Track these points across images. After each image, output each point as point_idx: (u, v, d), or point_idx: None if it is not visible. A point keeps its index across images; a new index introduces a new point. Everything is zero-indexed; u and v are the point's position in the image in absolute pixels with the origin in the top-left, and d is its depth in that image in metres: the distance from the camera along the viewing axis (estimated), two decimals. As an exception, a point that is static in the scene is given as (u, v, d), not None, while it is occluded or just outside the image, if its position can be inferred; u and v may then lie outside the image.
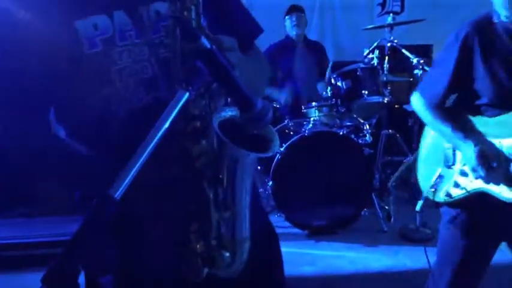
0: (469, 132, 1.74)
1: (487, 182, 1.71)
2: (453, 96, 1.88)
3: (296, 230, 3.21)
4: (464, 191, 1.79)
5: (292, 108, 4.01)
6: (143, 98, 1.15)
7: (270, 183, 3.17)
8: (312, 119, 3.51)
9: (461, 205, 1.82)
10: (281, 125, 3.58)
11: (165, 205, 1.13)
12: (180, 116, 0.85)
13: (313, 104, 3.65)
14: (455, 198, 1.81)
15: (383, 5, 5.01)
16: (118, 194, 0.76)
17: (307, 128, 3.31)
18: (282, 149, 3.20)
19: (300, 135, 3.22)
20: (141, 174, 0.80)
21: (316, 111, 3.62)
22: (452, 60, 1.75)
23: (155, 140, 0.81)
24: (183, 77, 0.98)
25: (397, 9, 5.09)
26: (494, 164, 1.67)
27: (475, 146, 1.69)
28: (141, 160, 0.79)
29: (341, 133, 3.25)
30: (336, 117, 3.59)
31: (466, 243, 1.81)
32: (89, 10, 1.13)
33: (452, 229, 1.85)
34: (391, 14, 3.88)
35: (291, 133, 3.43)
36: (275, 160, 3.20)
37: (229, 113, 1.02)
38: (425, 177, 1.93)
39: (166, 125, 0.83)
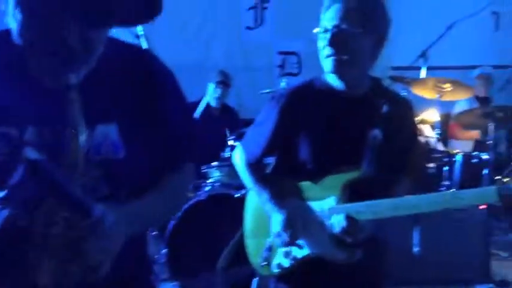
0: (283, 197, 1.71)
1: (304, 248, 1.69)
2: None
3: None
4: (294, 259, 1.73)
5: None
6: None
7: (164, 250, 3.07)
8: (211, 180, 3.50)
9: (294, 276, 1.76)
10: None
11: None
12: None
13: (214, 163, 3.64)
14: (287, 268, 1.73)
15: (282, 66, 5.22)
16: None
17: (204, 191, 3.28)
18: (177, 214, 3.12)
19: (196, 199, 3.18)
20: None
21: (218, 171, 3.61)
22: (271, 123, 1.74)
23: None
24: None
25: (295, 71, 5.31)
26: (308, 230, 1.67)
27: (283, 211, 1.68)
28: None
29: (236, 196, 3.25)
30: (238, 177, 3.57)
31: None
32: None
33: None
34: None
35: (190, 197, 3.38)
36: (169, 226, 3.12)
37: None
38: (255, 252, 1.83)
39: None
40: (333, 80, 1.71)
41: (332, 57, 1.63)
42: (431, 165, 4.40)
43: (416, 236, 3.27)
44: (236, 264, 3.10)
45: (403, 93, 4.47)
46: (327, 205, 1.69)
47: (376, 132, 1.69)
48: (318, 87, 1.75)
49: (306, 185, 1.73)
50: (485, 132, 4.24)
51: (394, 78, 4.94)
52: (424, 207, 1.58)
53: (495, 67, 5.27)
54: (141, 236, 1.24)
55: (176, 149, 1.21)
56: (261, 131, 1.80)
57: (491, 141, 4.09)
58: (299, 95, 1.76)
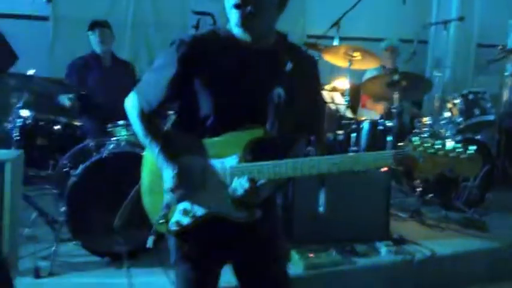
0: (174, 152, 1.66)
1: (194, 203, 1.66)
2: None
3: (95, 258, 2.97)
4: (193, 217, 1.68)
5: (96, 127, 3.79)
6: None
7: (63, 208, 2.89)
8: (117, 138, 3.33)
9: (193, 234, 1.71)
10: (81, 145, 3.32)
11: None
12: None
13: (121, 122, 3.46)
14: (186, 225, 1.69)
15: (196, 27, 5.06)
16: None
17: (108, 149, 3.12)
18: (77, 171, 2.95)
19: (97, 156, 3.01)
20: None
21: (124, 130, 3.44)
22: (170, 70, 1.63)
23: None
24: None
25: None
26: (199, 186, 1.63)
27: (174, 166, 1.63)
28: None
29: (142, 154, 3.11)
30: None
31: (196, 275, 1.75)
32: None
33: (181, 265, 1.77)
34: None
35: (93, 154, 3.20)
36: (69, 184, 2.93)
37: None
38: (152, 210, 1.76)
39: None
40: (238, 32, 1.64)
41: (238, 9, 1.57)
42: (340, 131, 4.53)
43: (322, 197, 3.35)
44: (136, 222, 3.01)
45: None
46: (229, 163, 1.63)
47: (280, 91, 1.65)
48: (222, 37, 1.67)
49: (206, 141, 1.66)
50: (391, 102, 4.40)
51: (308, 45, 5.00)
52: (325, 169, 1.56)
53: (402, 40, 5.48)
54: None
55: None
56: (157, 78, 1.68)
57: (396, 110, 4.26)
58: (201, 43, 1.65)
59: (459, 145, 1.40)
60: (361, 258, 3.24)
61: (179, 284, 1.79)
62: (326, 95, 4.79)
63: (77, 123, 3.72)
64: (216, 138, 1.65)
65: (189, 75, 1.62)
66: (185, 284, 1.77)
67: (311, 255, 3.14)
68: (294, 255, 3.12)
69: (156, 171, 1.70)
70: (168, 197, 1.67)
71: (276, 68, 1.66)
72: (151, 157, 1.73)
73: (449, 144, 1.41)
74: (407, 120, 4.96)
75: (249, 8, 1.55)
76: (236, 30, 1.64)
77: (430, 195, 4.28)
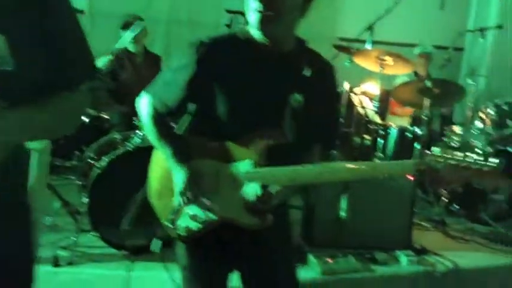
0: (187, 155, 1.63)
1: (204, 209, 1.63)
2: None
3: (112, 251, 3.01)
4: (202, 223, 1.65)
5: (124, 120, 3.84)
6: None
7: (85, 199, 2.93)
8: (143, 132, 3.36)
9: (203, 240, 1.69)
10: (107, 137, 3.37)
11: None
12: None
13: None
14: (195, 231, 1.66)
15: (229, 26, 5.07)
16: None
17: (133, 142, 3.15)
18: (101, 163, 2.99)
19: (122, 149, 3.04)
20: None
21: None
22: (187, 71, 1.61)
23: None
24: None
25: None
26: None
27: (185, 169, 1.60)
28: None
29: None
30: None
31: (203, 281, 1.74)
32: None
33: (189, 271, 1.75)
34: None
35: (118, 147, 3.24)
36: (93, 175, 2.98)
37: None
38: (161, 213, 1.73)
39: None
40: (257, 35, 1.61)
41: (258, 12, 1.54)
42: (367, 136, 4.47)
43: (344, 202, 3.31)
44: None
45: (347, 63, 4.59)
46: (243, 168, 1.61)
47: (298, 96, 1.62)
48: (241, 40, 1.65)
49: (220, 145, 1.63)
50: (421, 109, 4.31)
51: (338, 48, 4.95)
52: (344, 175, 1.53)
53: (436, 47, 5.36)
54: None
55: (69, 68, 1.20)
56: (174, 79, 1.65)
57: (426, 117, 4.17)
58: (220, 46, 1.64)
59: (481, 158, 1.36)
60: (381, 266, 3.18)
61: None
62: (355, 98, 4.74)
63: (105, 115, 3.78)
64: (231, 142, 1.62)
65: (206, 77, 1.60)
66: None
67: (329, 260, 3.11)
68: (312, 260, 3.09)
69: (167, 176, 1.67)
70: (178, 201, 1.64)
71: (295, 72, 1.63)
72: (161, 161, 1.70)
73: (471, 156, 1.37)
74: (437, 128, 4.86)
75: (269, 12, 1.53)
76: (255, 33, 1.62)
77: (456, 206, 4.18)
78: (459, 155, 1.37)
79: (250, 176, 1.59)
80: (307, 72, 1.63)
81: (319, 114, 1.67)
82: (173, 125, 1.71)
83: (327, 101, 1.73)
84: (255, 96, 1.61)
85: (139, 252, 2.91)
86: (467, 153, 1.37)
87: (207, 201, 1.62)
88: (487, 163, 1.36)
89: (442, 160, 1.38)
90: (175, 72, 1.67)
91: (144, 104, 1.71)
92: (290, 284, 1.83)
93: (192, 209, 1.65)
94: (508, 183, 4.16)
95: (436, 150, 1.40)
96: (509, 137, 4.41)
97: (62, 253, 2.85)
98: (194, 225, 1.66)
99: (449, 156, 1.37)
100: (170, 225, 1.67)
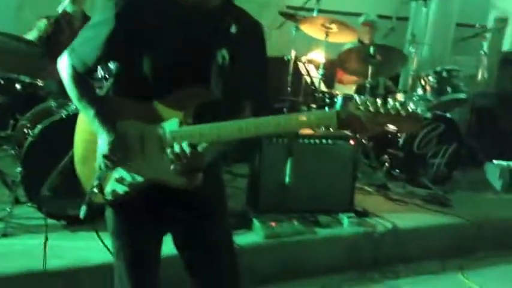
0: (111, 116, 1.57)
1: (131, 170, 1.58)
2: None
3: (51, 221, 2.91)
4: (130, 185, 1.60)
5: (59, 87, 3.69)
6: None
7: (19, 169, 2.82)
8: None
9: (129, 202, 1.64)
10: (43, 105, 3.24)
11: None
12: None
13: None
14: (121, 194, 1.61)
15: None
16: None
17: (68, 110, 3.03)
18: (34, 131, 2.87)
19: (56, 116, 2.93)
20: None
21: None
22: (107, 27, 1.53)
23: None
24: None
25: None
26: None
27: (110, 131, 1.55)
28: None
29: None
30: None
31: (135, 245, 1.69)
32: None
33: (119, 236, 1.70)
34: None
35: (54, 115, 3.11)
36: (26, 145, 2.86)
37: None
38: (87, 178, 1.67)
39: None
40: None
41: None
42: (313, 105, 4.49)
43: (288, 167, 3.33)
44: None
45: (294, 30, 4.58)
46: (169, 127, 1.55)
47: (224, 52, 1.57)
48: None
49: (145, 104, 1.57)
50: (365, 77, 4.36)
51: (285, 15, 4.92)
52: (269, 128, 1.49)
53: (381, 16, 5.42)
54: None
55: None
56: (93, 36, 1.56)
57: (369, 85, 4.23)
58: (140, 1, 1.55)
59: (399, 103, 1.38)
60: (323, 228, 3.25)
61: (118, 255, 1.71)
62: (301, 67, 4.74)
63: (39, 82, 3.61)
64: (156, 101, 1.56)
65: (126, 33, 1.52)
66: (125, 255, 1.69)
67: (273, 224, 3.13)
68: (256, 224, 3.11)
69: (91, 139, 1.61)
70: (100, 164, 1.58)
71: (220, 29, 1.58)
72: (85, 123, 1.63)
73: (389, 102, 1.38)
74: (381, 94, 4.94)
75: None
76: None
77: (397, 171, 4.30)
78: (379, 102, 1.38)
79: (176, 135, 1.54)
80: (233, 29, 1.59)
81: (246, 72, 1.63)
82: (93, 84, 1.64)
83: (255, 59, 1.68)
84: (179, 54, 1.55)
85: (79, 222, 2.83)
86: (388, 100, 1.38)
87: (132, 163, 1.57)
88: (405, 108, 1.38)
89: (362, 108, 1.39)
90: (94, 28, 1.58)
91: (63, 64, 1.61)
92: (224, 244, 1.79)
93: (118, 172, 1.60)
94: (445, 145, 4.32)
95: (357, 99, 1.40)
96: (448, 103, 4.54)
97: (-4, 224, 2.76)
98: (121, 189, 1.61)
99: (369, 104, 1.38)
100: (96, 190, 1.60)
